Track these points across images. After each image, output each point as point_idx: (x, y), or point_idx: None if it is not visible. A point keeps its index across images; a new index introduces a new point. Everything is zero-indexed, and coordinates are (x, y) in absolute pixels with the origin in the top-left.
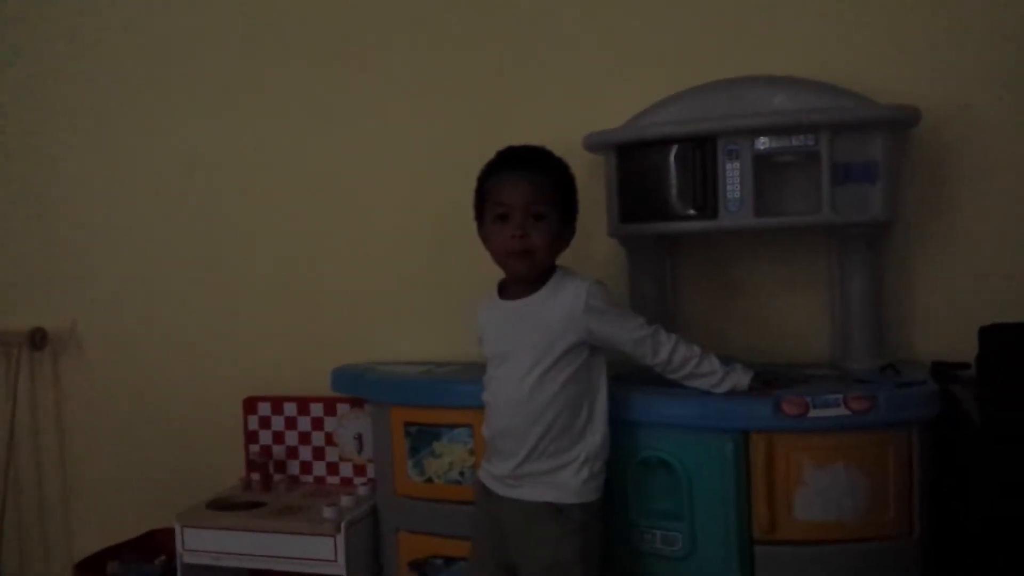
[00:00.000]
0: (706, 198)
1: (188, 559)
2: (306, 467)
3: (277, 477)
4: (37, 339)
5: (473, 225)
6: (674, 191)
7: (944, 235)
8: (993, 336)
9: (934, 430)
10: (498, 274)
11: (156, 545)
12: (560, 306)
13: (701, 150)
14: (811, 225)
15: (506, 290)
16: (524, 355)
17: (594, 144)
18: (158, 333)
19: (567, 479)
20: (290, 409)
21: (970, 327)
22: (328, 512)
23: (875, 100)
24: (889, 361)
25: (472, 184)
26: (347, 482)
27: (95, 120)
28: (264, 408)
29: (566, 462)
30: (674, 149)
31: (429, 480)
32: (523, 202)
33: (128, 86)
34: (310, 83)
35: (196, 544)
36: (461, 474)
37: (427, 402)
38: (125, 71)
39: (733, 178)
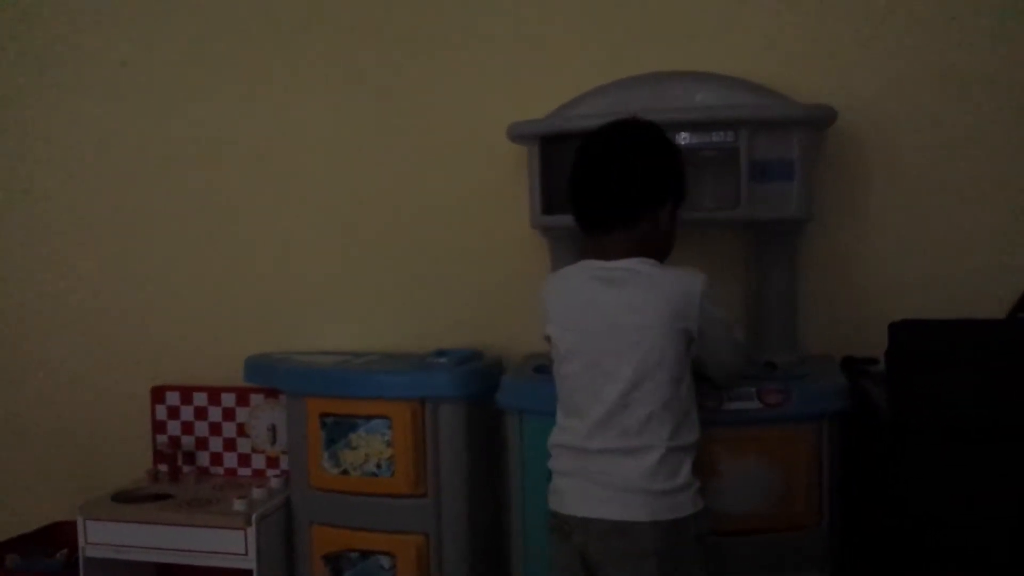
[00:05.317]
0: None
1: (91, 553)
2: (216, 458)
3: (186, 469)
4: None
5: (388, 218)
6: None
7: (857, 232)
8: (902, 332)
9: (844, 423)
10: (430, 268)
11: (58, 538)
12: None
13: None
14: (729, 220)
15: None
16: None
17: (518, 135)
18: (61, 316)
19: None
20: (200, 399)
21: (881, 322)
22: (239, 505)
23: (795, 99)
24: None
25: (395, 177)
26: (259, 474)
27: None
28: (172, 397)
29: None
30: None
31: (345, 472)
32: None
33: None
34: (235, 70)
35: (99, 537)
36: (378, 466)
37: (343, 393)
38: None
39: None
